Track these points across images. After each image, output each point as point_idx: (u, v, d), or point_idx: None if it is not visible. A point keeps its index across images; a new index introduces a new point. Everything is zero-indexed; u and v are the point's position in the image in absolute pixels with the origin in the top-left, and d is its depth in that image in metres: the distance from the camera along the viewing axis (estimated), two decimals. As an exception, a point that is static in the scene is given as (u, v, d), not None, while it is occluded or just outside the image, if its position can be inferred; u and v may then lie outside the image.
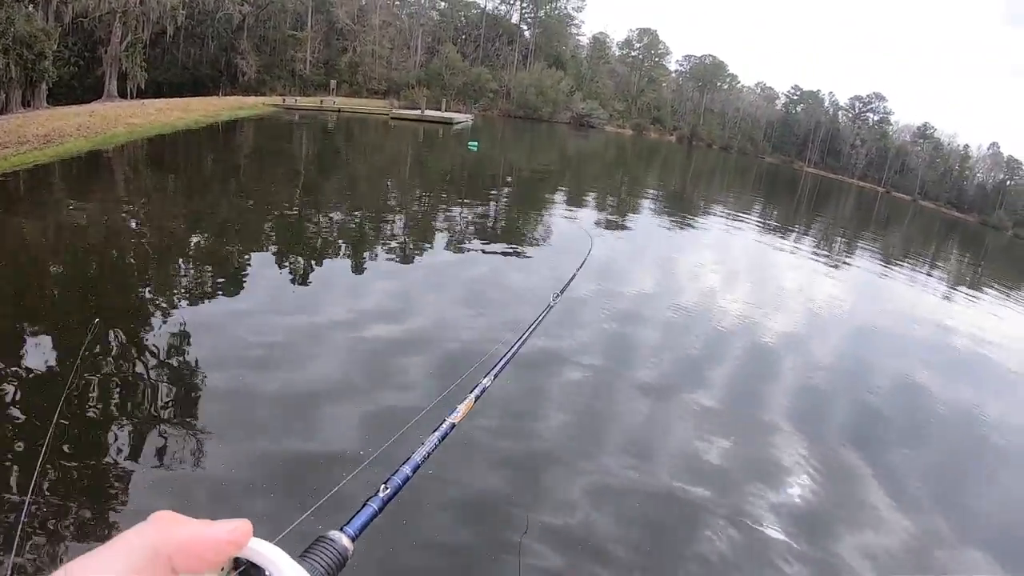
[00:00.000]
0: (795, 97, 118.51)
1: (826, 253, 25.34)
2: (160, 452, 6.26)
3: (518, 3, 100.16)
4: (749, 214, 32.59)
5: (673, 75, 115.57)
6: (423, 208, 20.67)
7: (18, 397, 7.02)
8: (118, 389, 7.45)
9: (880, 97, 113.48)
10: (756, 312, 13.92)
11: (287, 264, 12.95)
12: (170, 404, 7.23)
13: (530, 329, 2.96)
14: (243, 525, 0.61)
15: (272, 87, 73.66)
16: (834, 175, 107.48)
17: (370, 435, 6.73)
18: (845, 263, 24.13)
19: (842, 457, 8.25)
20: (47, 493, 5.57)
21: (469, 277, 13.30)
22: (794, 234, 28.99)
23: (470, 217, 19.76)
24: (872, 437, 9.05)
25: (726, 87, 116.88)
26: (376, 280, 12.50)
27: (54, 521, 5.32)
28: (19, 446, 6.14)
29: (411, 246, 15.36)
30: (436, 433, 1.64)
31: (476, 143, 40.04)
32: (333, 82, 74.87)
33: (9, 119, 29.83)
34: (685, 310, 12.99)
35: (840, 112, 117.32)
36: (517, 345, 2.64)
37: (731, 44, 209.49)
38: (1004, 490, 8.70)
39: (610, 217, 23.98)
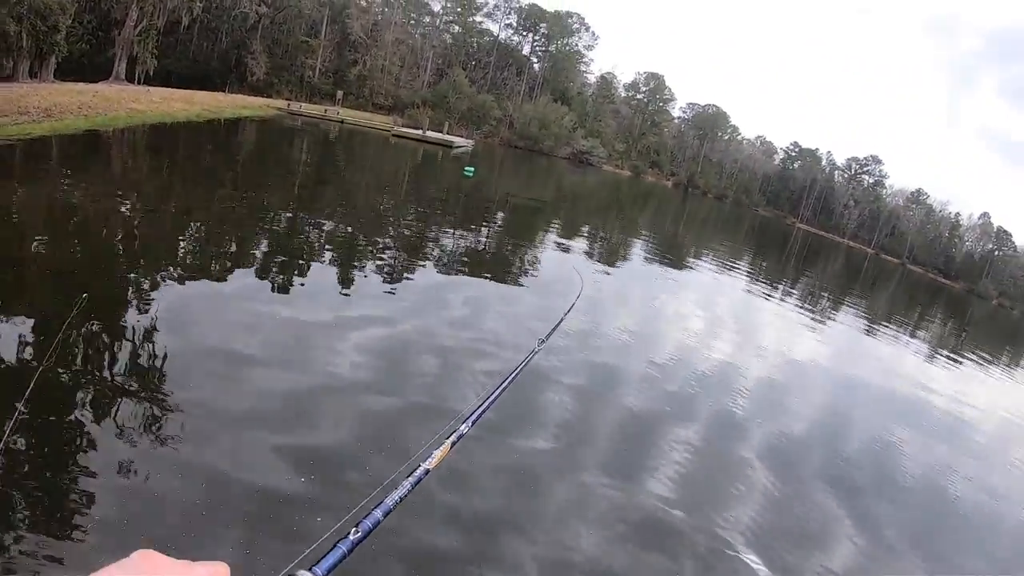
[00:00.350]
0: (793, 153, 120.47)
1: (811, 308, 25.44)
2: (127, 434, 6.17)
3: (530, 36, 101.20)
4: (739, 264, 32.77)
5: (676, 121, 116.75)
6: (415, 229, 20.12)
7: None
8: (94, 368, 7.38)
9: (877, 160, 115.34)
10: (737, 361, 13.76)
11: (269, 269, 12.50)
12: (140, 395, 6.93)
13: (511, 376, 2.82)
14: (222, 569, 0.63)
15: (279, 90, 73.95)
16: (825, 233, 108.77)
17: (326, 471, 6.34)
18: (831, 319, 24.26)
19: (814, 499, 8.28)
20: (12, 474, 5.47)
21: (453, 313, 12.39)
22: (782, 288, 29.14)
23: (461, 244, 19.14)
24: (843, 485, 9.07)
25: (727, 137, 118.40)
26: (361, 300, 11.80)
27: (17, 498, 5.26)
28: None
29: (399, 268, 14.58)
30: (410, 478, 1.61)
31: (472, 169, 40.03)
32: (340, 92, 75.11)
33: (13, 88, 29.69)
34: (665, 359, 12.51)
35: (836, 171, 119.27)
36: (497, 392, 2.54)
37: (735, 95, 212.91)
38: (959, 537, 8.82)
39: (600, 256, 23.72)
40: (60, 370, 6.95)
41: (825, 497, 8.47)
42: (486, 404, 2.35)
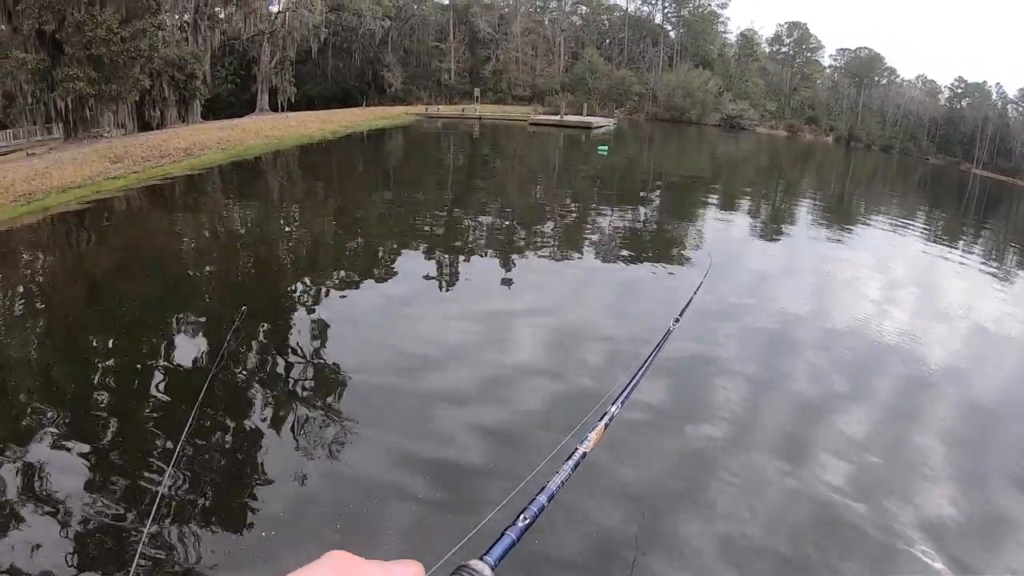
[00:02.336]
0: (959, 90, 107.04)
1: (997, 265, 22.05)
2: (298, 438, 6.88)
3: (659, 3, 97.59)
4: (913, 221, 29.39)
5: (827, 71, 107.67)
6: (572, 216, 20.37)
7: (165, 380, 8.03)
8: (259, 374, 8.46)
9: None
10: (917, 331, 12.25)
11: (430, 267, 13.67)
12: (311, 392, 8.01)
13: (651, 357, 3.02)
14: (416, 568, 0.62)
15: (418, 96, 75.34)
16: (1005, 177, 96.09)
17: (499, 450, 6.96)
18: (1021, 276, 21.01)
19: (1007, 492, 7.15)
20: (185, 472, 6.09)
21: (609, 299, 12.72)
22: (962, 244, 25.71)
23: (619, 226, 19.34)
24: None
25: (884, 82, 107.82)
26: (524, 291, 12.48)
27: (192, 496, 5.83)
28: (163, 426, 6.85)
29: (559, 255, 15.41)
30: (569, 462, 1.69)
31: (606, 148, 38.67)
32: (477, 90, 75.41)
33: (160, 134, 31.62)
34: (838, 332, 11.60)
35: (1010, 106, 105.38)
36: (641, 372, 2.72)
37: (887, 34, 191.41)
38: None
39: (764, 226, 22.50)
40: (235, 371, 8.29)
41: (1020, 490, 7.19)
42: (631, 385, 2.48)
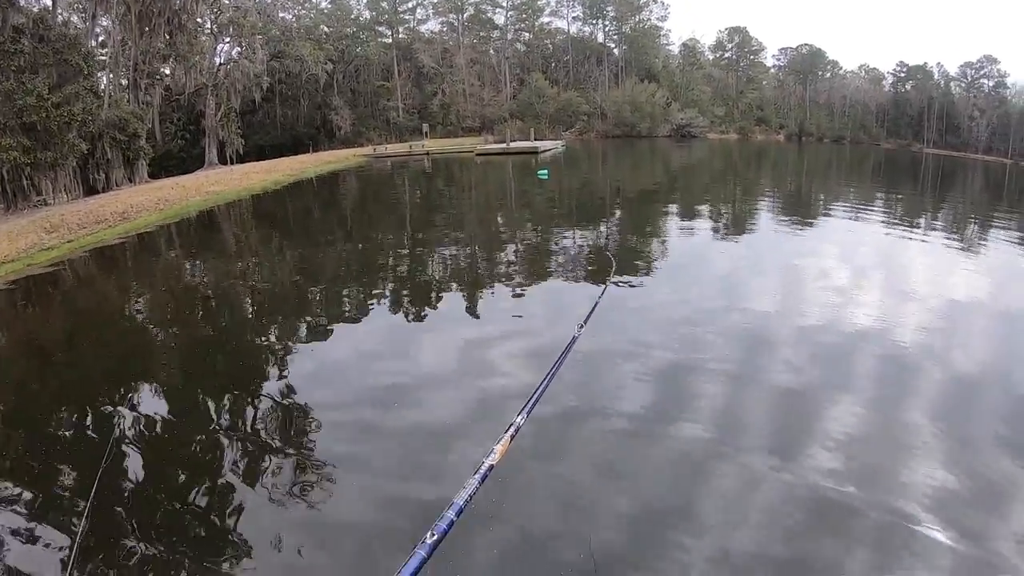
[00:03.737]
0: (902, 75, 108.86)
1: (958, 237, 21.96)
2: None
3: (600, 23, 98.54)
4: (872, 206, 29.36)
5: (772, 71, 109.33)
6: (532, 239, 19.97)
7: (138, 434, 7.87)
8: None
9: (992, 60, 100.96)
10: (890, 312, 11.96)
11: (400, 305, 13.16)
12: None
13: (554, 368, 3.02)
14: None
15: (368, 137, 75.13)
16: (956, 153, 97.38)
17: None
18: (983, 244, 20.75)
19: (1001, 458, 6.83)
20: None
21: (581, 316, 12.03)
22: (924, 221, 25.68)
23: (582, 244, 19.03)
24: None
25: (828, 75, 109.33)
26: (496, 317, 12.14)
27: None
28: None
29: (525, 279, 14.82)
30: (476, 475, 1.71)
31: (546, 171, 38.26)
32: (426, 125, 75.52)
33: (99, 198, 31.07)
34: (812, 322, 11.36)
35: (952, 83, 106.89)
36: (546, 382, 2.67)
37: (825, 28, 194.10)
38: None
39: (726, 228, 22.10)
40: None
41: (1015, 454, 6.89)
42: (536, 395, 2.52)
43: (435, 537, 1.32)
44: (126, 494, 6.48)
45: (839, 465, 6.61)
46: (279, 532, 5.75)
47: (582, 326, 4.18)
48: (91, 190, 35.56)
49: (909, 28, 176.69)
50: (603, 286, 6.94)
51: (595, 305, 5.36)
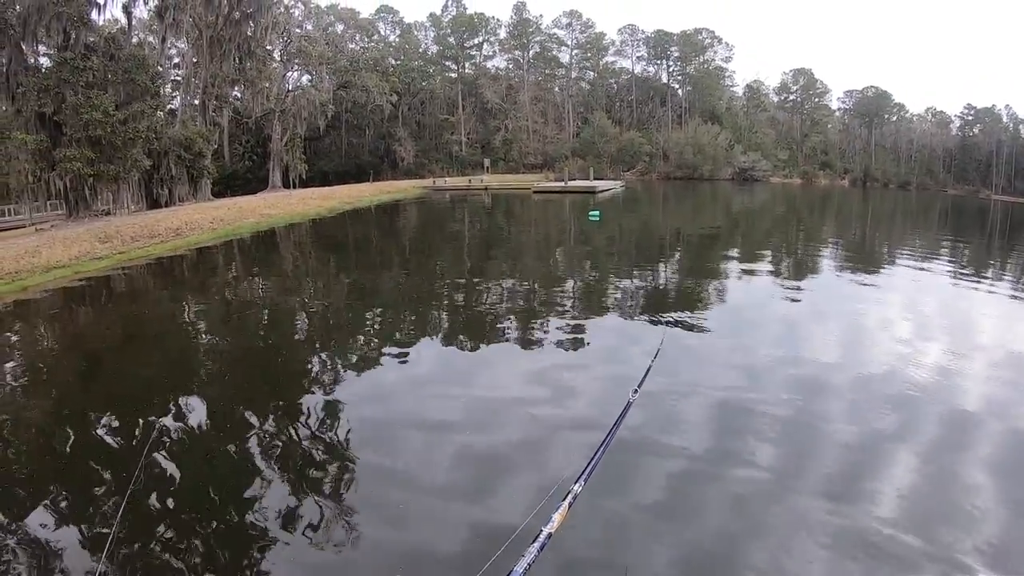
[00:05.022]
0: (969, 118, 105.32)
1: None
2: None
3: (664, 63, 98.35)
4: (938, 254, 28.20)
5: (836, 113, 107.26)
6: (590, 278, 19.78)
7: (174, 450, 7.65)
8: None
9: None
10: (953, 363, 11.37)
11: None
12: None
13: (612, 431, 3.05)
14: None
15: (431, 169, 75.99)
16: None
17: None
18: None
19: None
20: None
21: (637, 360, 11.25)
22: (991, 272, 24.49)
23: (640, 286, 18.41)
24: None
25: (894, 119, 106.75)
26: (550, 353, 11.69)
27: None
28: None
29: (581, 317, 14.50)
30: (535, 544, 1.74)
31: (598, 213, 37.70)
32: (487, 160, 75.98)
33: (158, 213, 31.99)
34: (874, 372, 10.81)
35: (1022, 127, 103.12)
36: (603, 449, 2.75)
37: (891, 70, 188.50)
38: None
39: (787, 275, 21.27)
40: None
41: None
42: (594, 462, 2.52)
43: None
44: (161, 497, 6.50)
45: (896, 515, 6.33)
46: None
47: (636, 391, 4.20)
48: (154, 204, 36.72)
49: (977, 70, 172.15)
50: (657, 346, 6.76)
51: (648, 369, 5.33)
